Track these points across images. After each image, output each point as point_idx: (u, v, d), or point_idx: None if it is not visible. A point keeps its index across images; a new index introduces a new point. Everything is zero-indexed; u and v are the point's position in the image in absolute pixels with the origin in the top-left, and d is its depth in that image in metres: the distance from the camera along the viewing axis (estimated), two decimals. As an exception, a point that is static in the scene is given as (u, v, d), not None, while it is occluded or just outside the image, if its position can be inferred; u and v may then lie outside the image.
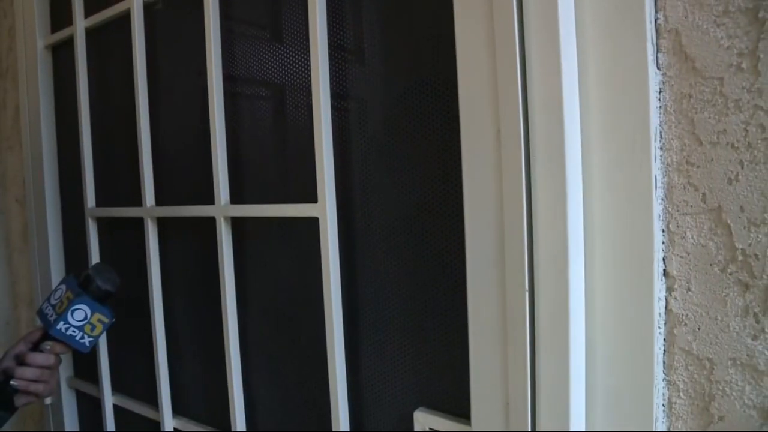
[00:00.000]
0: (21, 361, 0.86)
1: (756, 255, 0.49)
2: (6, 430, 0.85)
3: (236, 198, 0.87)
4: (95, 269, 0.89)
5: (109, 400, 1.09)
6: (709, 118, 0.51)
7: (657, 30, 0.53)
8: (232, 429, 0.87)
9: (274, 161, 0.86)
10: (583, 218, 0.56)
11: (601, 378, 0.56)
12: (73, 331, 0.85)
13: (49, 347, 0.85)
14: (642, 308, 0.54)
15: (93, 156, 1.07)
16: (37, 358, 0.85)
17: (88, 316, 0.85)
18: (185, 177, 0.97)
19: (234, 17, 0.87)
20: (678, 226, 0.53)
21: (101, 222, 1.09)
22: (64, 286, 0.88)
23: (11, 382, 0.84)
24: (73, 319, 0.84)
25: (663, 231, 0.54)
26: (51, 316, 0.86)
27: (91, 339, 0.87)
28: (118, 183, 1.08)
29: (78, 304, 0.84)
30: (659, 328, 0.54)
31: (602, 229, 0.56)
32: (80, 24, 1.05)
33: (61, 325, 0.84)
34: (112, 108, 1.07)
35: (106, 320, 0.87)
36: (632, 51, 0.53)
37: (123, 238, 1.08)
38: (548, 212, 0.55)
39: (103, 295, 0.87)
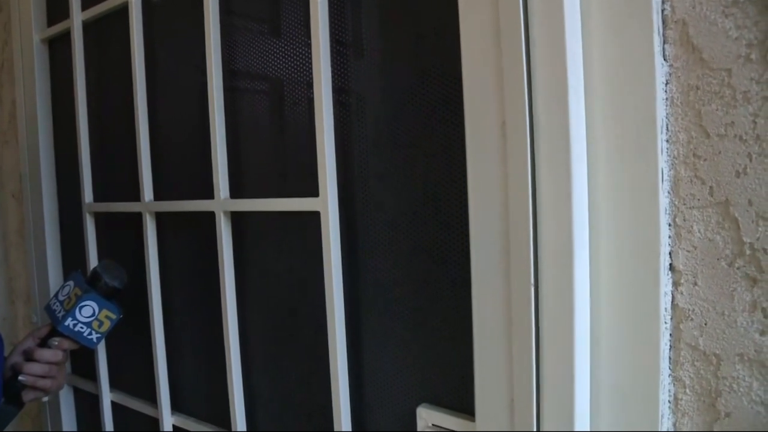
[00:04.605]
0: (29, 357, 0.86)
1: (764, 249, 0.49)
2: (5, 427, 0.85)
3: (236, 193, 0.86)
4: (102, 266, 0.89)
5: (107, 397, 1.08)
6: (717, 110, 0.50)
7: (664, 21, 0.52)
8: (232, 426, 0.86)
9: (274, 155, 0.85)
10: (589, 212, 0.55)
11: (606, 373, 0.56)
12: (81, 328, 0.85)
13: (56, 343, 0.85)
14: (648, 303, 0.53)
15: (90, 151, 1.06)
16: (45, 354, 0.85)
17: (96, 312, 0.85)
18: (184, 171, 0.96)
19: (234, 11, 0.86)
20: (685, 220, 0.53)
21: (99, 217, 1.08)
22: (71, 283, 0.88)
23: (19, 378, 0.84)
24: (81, 315, 0.84)
25: (669, 225, 0.53)
26: (59, 312, 0.86)
27: (98, 335, 0.87)
28: (116, 178, 1.07)
29: (86, 300, 0.84)
30: (665, 323, 0.54)
31: (608, 223, 0.55)
32: (77, 17, 1.03)
33: (69, 322, 0.84)
34: (110, 102, 1.06)
35: (114, 316, 0.87)
36: (638, 42, 0.52)
37: (121, 234, 1.07)
38: (553, 206, 0.54)
39: (111, 291, 0.87)
